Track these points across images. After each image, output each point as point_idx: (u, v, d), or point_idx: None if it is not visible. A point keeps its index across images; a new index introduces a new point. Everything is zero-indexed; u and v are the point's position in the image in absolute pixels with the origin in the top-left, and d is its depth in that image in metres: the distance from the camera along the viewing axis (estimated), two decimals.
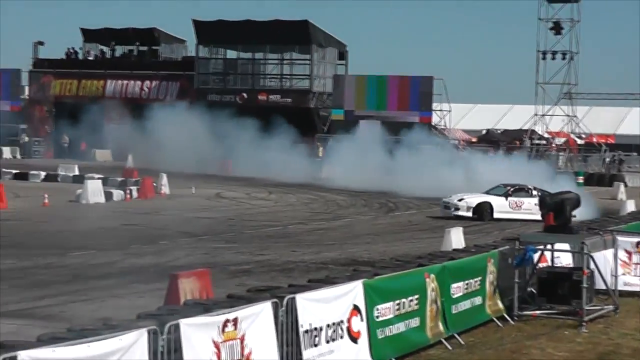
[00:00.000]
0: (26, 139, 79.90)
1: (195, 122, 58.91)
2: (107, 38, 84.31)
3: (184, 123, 58.52)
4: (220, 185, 48.37)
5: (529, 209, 34.56)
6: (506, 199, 36.40)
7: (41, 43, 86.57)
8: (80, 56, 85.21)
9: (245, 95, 76.23)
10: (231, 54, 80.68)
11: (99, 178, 43.54)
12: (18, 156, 74.64)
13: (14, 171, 50.56)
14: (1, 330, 14.60)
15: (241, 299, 12.86)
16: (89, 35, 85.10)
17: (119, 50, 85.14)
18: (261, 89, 77.34)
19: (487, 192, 37.08)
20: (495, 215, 36.09)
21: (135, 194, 41.27)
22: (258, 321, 11.22)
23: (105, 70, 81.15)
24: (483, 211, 36.04)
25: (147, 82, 79.57)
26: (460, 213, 35.87)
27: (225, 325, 10.67)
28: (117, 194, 40.48)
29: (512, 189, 36.85)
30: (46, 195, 36.97)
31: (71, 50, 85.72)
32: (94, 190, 38.97)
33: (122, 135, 63.97)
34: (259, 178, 51.75)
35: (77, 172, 50.68)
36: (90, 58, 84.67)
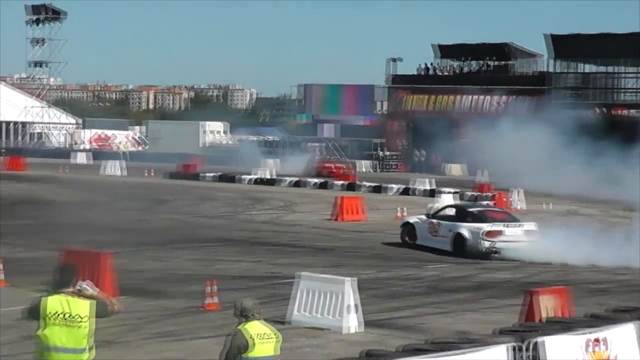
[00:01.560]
0: (382, 153, 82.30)
1: (551, 138, 57.88)
2: (460, 53, 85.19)
3: (539, 138, 57.69)
4: (576, 203, 46.93)
5: None
6: None
7: (397, 59, 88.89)
8: (434, 72, 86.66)
9: (602, 109, 74.29)
10: (586, 67, 78.97)
11: (452, 192, 43.99)
12: (373, 170, 77.00)
13: (370, 184, 52.15)
14: (365, 339, 15.11)
15: (605, 319, 12.50)
16: (443, 50, 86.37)
17: (472, 65, 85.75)
18: (619, 103, 75.04)
19: None
20: None
21: None
22: (626, 342, 10.85)
23: (458, 85, 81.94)
24: None
25: (500, 97, 79.47)
26: None
27: (592, 344, 10.40)
28: None
29: None
30: (398, 208, 37.79)
31: (426, 66, 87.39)
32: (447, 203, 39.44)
33: (476, 149, 64.21)
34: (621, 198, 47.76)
35: (430, 186, 51.50)
36: (444, 73, 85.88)
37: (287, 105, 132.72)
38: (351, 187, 51.47)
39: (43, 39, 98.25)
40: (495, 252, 25.85)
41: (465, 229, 26.48)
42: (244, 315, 8.82)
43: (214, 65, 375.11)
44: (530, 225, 27.16)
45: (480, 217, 27.14)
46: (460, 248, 26.42)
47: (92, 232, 28.85)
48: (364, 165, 77.32)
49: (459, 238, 26.61)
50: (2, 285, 18.60)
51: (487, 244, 25.92)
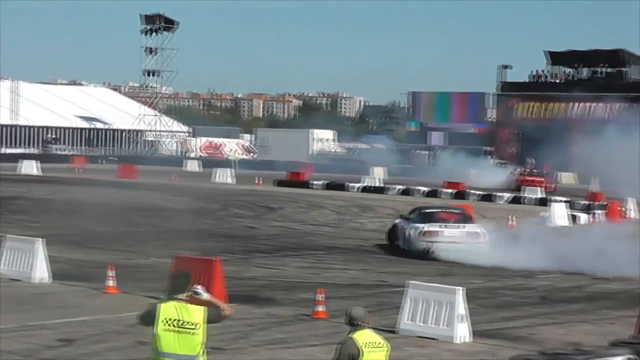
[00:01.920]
0: (491, 161, 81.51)
1: None
2: (573, 60, 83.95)
3: None
4: None
5: None
6: None
7: (507, 67, 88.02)
8: (546, 79, 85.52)
9: None
10: None
11: (564, 201, 43.34)
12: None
13: (480, 193, 51.67)
14: (474, 349, 14.96)
15: None
16: (555, 57, 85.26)
17: (585, 72, 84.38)
18: None
19: None
20: None
21: (602, 217, 40.59)
22: None
23: (571, 92, 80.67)
24: None
25: (613, 104, 77.97)
26: None
27: None
28: (583, 217, 40.04)
29: None
30: (511, 217, 37.43)
31: (537, 73, 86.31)
32: (559, 212, 38.92)
33: (588, 158, 63.00)
34: None
35: (541, 195, 50.80)
36: (556, 80, 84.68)
37: (395, 113, 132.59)
38: (460, 195, 51.08)
39: (156, 48, 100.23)
40: (429, 252, 26.12)
41: (411, 228, 26.93)
42: (354, 324, 8.79)
43: (323, 74, 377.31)
44: (475, 228, 27.20)
45: (428, 218, 27.51)
46: (393, 244, 27.92)
47: (203, 239, 29.21)
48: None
49: (391, 234, 28.32)
50: (114, 292, 18.94)
51: (423, 244, 26.27)
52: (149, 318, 8.56)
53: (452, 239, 26.37)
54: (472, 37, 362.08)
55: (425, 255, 26.09)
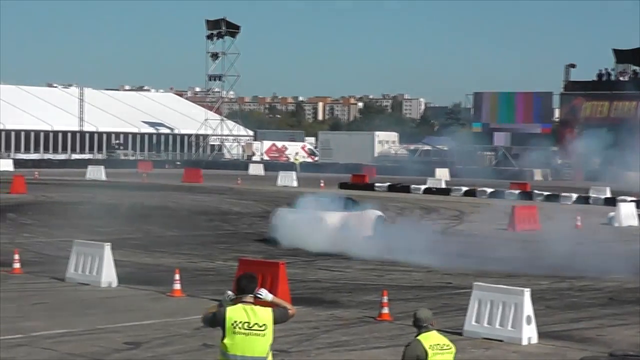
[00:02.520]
0: (558, 161, 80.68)
1: None
2: None
3: None
4: None
5: None
6: None
7: (573, 65, 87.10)
8: (613, 77, 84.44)
9: None
10: None
11: (632, 201, 42.74)
12: (549, 178, 75.58)
13: (545, 193, 51.16)
14: (542, 350, 14.80)
15: None
16: (621, 55, 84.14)
17: None
18: None
19: None
20: None
21: None
22: None
23: (638, 90, 79.56)
24: None
25: None
26: None
27: None
28: None
29: None
30: (578, 217, 37.03)
31: (603, 72, 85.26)
32: (627, 213, 38.39)
33: None
34: None
35: (608, 195, 50.17)
36: (623, 79, 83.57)
37: (459, 114, 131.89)
38: (526, 195, 50.60)
39: (219, 53, 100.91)
40: None
41: None
42: (420, 326, 8.76)
43: (386, 75, 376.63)
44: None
45: None
46: None
47: (267, 242, 29.29)
48: (541, 174, 75.95)
49: None
50: (179, 295, 19.07)
51: None
52: (215, 321, 8.59)
53: None
54: (537, 36, 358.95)
55: None
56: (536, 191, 51.79)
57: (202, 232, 33.27)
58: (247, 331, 8.45)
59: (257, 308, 8.55)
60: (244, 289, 8.67)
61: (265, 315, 8.52)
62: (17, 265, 21.88)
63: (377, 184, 57.41)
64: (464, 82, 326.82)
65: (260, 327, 8.47)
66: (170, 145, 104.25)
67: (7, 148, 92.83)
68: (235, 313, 8.51)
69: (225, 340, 8.49)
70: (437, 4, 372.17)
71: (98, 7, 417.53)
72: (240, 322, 8.46)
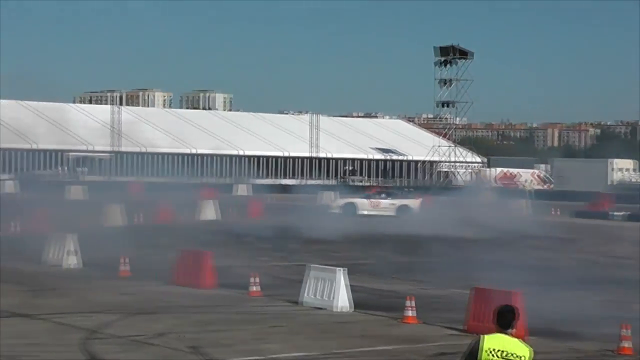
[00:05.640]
0: None
1: None
2: None
3: None
4: None
5: None
6: None
7: None
8: None
9: None
10: None
11: None
12: None
13: None
14: None
15: None
16: None
17: None
18: None
19: None
20: None
21: None
22: None
23: None
24: None
25: None
26: None
27: None
28: None
29: None
30: None
31: None
32: None
33: None
34: None
35: None
36: None
37: None
38: None
39: (450, 79, 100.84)
40: None
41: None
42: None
43: (621, 102, 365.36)
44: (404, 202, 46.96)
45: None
46: None
47: (501, 270, 28.82)
48: None
49: None
50: (413, 322, 19.02)
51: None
52: (473, 354, 8.38)
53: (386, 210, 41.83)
54: None
55: None
56: None
57: (434, 258, 33.09)
58: (502, 359, 8.27)
59: (517, 341, 8.33)
60: (503, 321, 8.44)
61: (523, 350, 8.28)
62: (254, 288, 22.46)
63: (616, 213, 55.59)
64: None
65: (518, 357, 8.25)
66: (400, 172, 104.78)
67: (244, 172, 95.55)
68: (492, 341, 8.34)
69: None
70: None
71: (329, 37, 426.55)
72: (497, 350, 8.29)
